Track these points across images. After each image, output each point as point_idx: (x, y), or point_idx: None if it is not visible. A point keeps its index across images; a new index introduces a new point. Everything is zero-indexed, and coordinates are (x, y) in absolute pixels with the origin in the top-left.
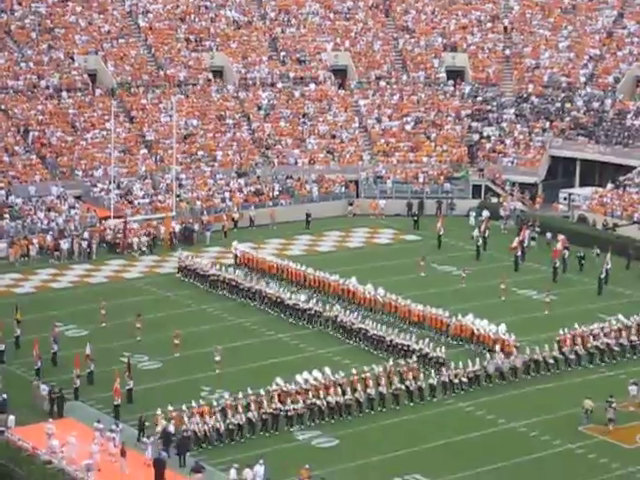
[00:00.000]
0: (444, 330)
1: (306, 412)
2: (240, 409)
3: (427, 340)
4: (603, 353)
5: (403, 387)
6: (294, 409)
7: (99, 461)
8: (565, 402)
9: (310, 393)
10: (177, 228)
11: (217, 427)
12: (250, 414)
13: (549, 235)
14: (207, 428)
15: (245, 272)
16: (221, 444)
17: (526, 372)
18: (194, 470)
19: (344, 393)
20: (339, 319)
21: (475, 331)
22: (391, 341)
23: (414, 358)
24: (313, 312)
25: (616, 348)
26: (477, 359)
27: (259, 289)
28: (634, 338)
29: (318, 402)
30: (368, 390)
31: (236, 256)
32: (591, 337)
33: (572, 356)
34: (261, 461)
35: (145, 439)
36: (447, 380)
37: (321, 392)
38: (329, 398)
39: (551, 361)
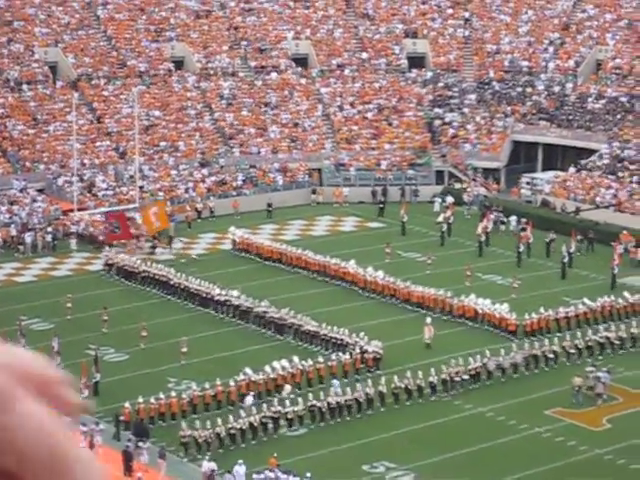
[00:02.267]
0: (447, 311)
1: (306, 414)
2: (209, 400)
3: (362, 334)
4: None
5: (402, 386)
6: (294, 411)
7: None
8: (533, 387)
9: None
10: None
11: (218, 432)
12: (252, 418)
13: (513, 220)
14: (208, 434)
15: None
16: (221, 449)
17: (526, 367)
18: (160, 456)
19: (310, 382)
20: (269, 315)
21: (479, 310)
22: (325, 335)
23: (347, 354)
24: (245, 308)
25: (616, 342)
26: (477, 356)
27: (188, 285)
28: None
29: (318, 404)
30: (367, 390)
31: (234, 241)
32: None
33: (572, 350)
34: (240, 461)
35: (141, 444)
36: (447, 378)
37: (289, 380)
38: (329, 399)
39: (551, 355)
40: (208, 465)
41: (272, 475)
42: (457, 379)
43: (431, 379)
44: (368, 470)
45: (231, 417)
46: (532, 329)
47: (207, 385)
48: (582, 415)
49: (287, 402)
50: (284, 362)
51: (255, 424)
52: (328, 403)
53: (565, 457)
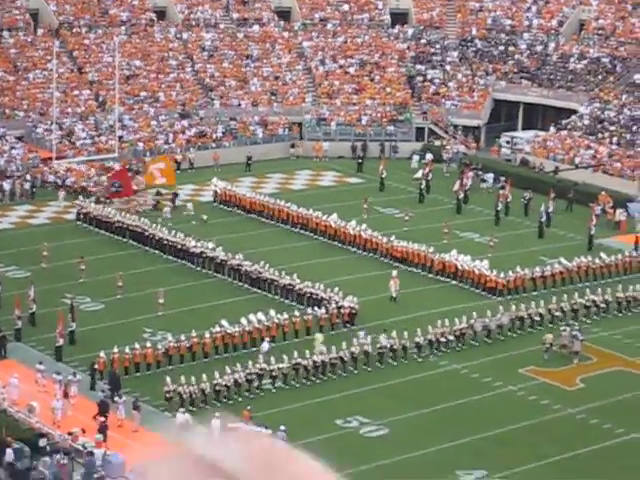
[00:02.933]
0: (428, 266)
1: (291, 372)
2: (183, 351)
3: (337, 289)
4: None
5: (388, 346)
6: (279, 368)
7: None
8: (508, 346)
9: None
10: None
11: (203, 388)
12: (237, 375)
13: (490, 178)
14: (192, 389)
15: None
16: (206, 405)
17: (511, 329)
18: (134, 408)
19: (285, 335)
20: (244, 268)
21: (459, 267)
22: (300, 290)
23: (323, 309)
24: (219, 261)
25: (602, 305)
26: (464, 317)
27: (163, 237)
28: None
29: (304, 362)
30: (352, 349)
31: (216, 192)
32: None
33: (558, 313)
34: (217, 414)
35: (117, 398)
36: (434, 339)
37: (264, 333)
38: (314, 357)
39: (537, 318)
40: (182, 417)
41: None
42: (442, 340)
43: (417, 339)
44: (342, 425)
45: (216, 373)
46: (508, 288)
47: (182, 337)
48: (556, 374)
49: (272, 359)
50: (260, 315)
51: (240, 381)
52: (313, 361)
53: (538, 415)
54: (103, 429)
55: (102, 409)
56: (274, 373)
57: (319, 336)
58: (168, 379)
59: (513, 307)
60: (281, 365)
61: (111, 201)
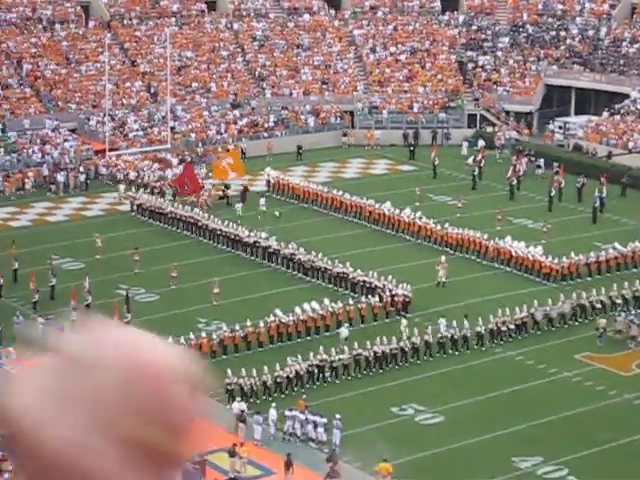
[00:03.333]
0: (482, 253)
1: (352, 363)
2: (238, 341)
3: (390, 277)
4: None
5: (448, 335)
6: (340, 359)
7: None
8: (563, 332)
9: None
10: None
11: (264, 380)
12: (297, 366)
13: (541, 163)
14: (253, 381)
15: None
16: (269, 397)
17: (573, 318)
18: None
19: (340, 324)
20: (297, 257)
21: (513, 253)
22: (353, 278)
23: (376, 297)
24: (272, 250)
25: None
26: (524, 305)
27: (216, 227)
28: None
29: (364, 353)
30: (413, 339)
31: (269, 182)
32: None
33: (619, 300)
34: (273, 404)
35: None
36: (495, 328)
37: (319, 322)
38: (375, 348)
39: (598, 305)
40: (238, 406)
41: (302, 416)
42: (504, 329)
43: (478, 329)
44: (397, 412)
45: (277, 365)
46: (562, 274)
47: (237, 326)
48: (611, 360)
49: (333, 350)
50: (314, 304)
51: (301, 372)
52: (374, 352)
53: (594, 401)
54: None
55: None
56: (335, 364)
57: (404, 321)
58: (229, 371)
59: (574, 295)
60: (342, 356)
61: (181, 198)
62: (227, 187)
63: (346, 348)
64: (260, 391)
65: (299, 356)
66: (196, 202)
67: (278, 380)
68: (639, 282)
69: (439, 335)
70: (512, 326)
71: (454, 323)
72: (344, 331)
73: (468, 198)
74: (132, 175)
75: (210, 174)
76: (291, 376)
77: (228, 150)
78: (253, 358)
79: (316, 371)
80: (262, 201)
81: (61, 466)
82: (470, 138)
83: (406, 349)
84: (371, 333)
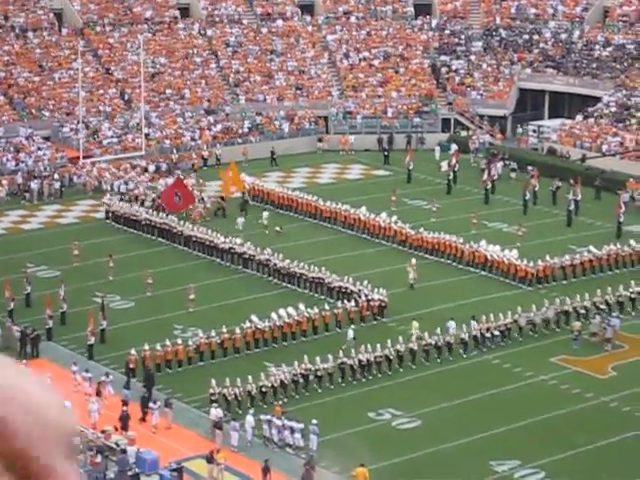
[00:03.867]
0: (458, 256)
1: (336, 371)
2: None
3: (366, 282)
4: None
5: (432, 342)
6: (324, 368)
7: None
8: (538, 335)
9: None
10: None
11: (249, 390)
12: (282, 375)
13: (515, 166)
14: (238, 392)
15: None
16: (253, 408)
17: (556, 323)
18: (166, 405)
19: (316, 329)
20: (272, 263)
21: (489, 257)
22: (329, 283)
23: (352, 302)
24: (247, 256)
25: None
26: (508, 312)
27: (191, 234)
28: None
29: (349, 361)
30: (398, 347)
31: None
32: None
33: (603, 306)
34: (251, 410)
35: (152, 404)
36: (478, 334)
37: (295, 328)
38: (360, 356)
39: (582, 311)
40: (215, 412)
41: (279, 422)
42: (488, 335)
43: (462, 336)
44: (374, 417)
45: (262, 374)
46: (538, 277)
47: (213, 333)
48: (587, 362)
49: (317, 359)
50: (290, 309)
51: (286, 382)
52: (359, 360)
53: (570, 405)
54: (124, 418)
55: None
56: (319, 373)
57: (415, 323)
58: (213, 382)
59: (557, 301)
60: (326, 365)
61: (169, 212)
62: (223, 198)
63: (352, 350)
64: (245, 401)
65: (283, 365)
66: (191, 216)
67: (263, 390)
68: (622, 287)
69: (424, 342)
70: (496, 332)
71: (437, 330)
72: (350, 333)
73: (443, 202)
74: (122, 187)
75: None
76: (276, 385)
77: (203, 156)
78: (229, 364)
79: (301, 380)
80: (265, 215)
81: None
82: (444, 142)
83: (391, 357)
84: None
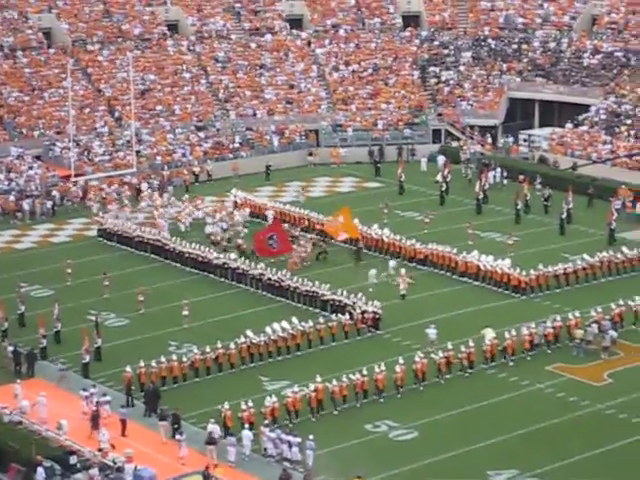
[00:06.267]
0: (452, 267)
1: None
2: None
3: (360, 295)
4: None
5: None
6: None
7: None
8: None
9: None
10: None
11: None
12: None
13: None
14: (250, 412)
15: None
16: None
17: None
18: (160, 418)
19: (311, 343)
20: (266, 277)
21: (482, 267)
22: (323, 296)
23: (347, 314)
24: (241, 271)
25: None
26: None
27: (184, 250)
28: None
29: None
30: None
31: (236, 202)
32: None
33: (605, 322)
34: (246, 425)
35: (178, 436)
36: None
37: (290, 342)
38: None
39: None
40: (212, 427)
41: (273, 435)
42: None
43: (465, 349)
44: (371, 429)
45: (273, 396)
46: (531, 286)
47: (208, 348)
48: (583, 370)
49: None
50: (284, 324)
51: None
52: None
53: (567, 412)
54: (94, 418)
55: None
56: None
57: (489, 330)
58: (226, 405)
59: (558, 317)
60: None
61: (257, 257)
62: (324, 240)
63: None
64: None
65: (295, 386)
66: (287, 263)
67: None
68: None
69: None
70: (500, 348)
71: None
72: (432, 332)
73: (436, 213)
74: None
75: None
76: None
77: (194, 172)
78: (225, 380)
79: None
80: (392, 264)
81: None
82: (435, 153)
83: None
84: (345, 353)
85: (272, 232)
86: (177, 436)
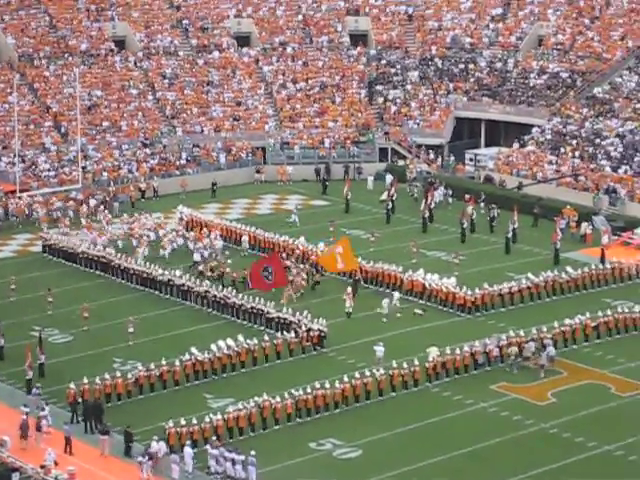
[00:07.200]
0: (398, 285)
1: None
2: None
3: (306, 312)
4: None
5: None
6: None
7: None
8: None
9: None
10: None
11: (203, 428)
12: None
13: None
14: (196, 429)
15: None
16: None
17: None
18: (101, 432)
19: (256, 360)
20: (211, 294)
21: (427, 286)
22: (268, 314)
23: (292, 332)
24: (186, 288)
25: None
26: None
27: (129, 266)
28: None
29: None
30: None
31: (181, 219)
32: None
33: (547, 340)
34: (189, 442)
35: (141, 458)
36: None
37: (235, 359)
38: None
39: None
40: (156, 445)
41: (216, 452)
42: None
43: (413, 368)
44: (315, 447)
45: (218, 414)
46: (476, 304)
47: (152, 365)
48: (527, 389)
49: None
50: (229, 341)
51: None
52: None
53: (511, 431)
54: (24, 427)
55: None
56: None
57: (434, 349)
58: (171, 423)
59: (503, 336)
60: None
61: (249, 287)
62: (317, 271)
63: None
64: (202, 438)
65: (239, 403)
66: (283, 296)
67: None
68: (568, 320)
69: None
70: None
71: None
72: (380, 349)
73: (382, 231)
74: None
75: (319, 266)
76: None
77: (140, 189)
78: (169, 397)
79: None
80: (396, 295)
81: None
82: (381, 172)
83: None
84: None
85: (268, 264)
86: (140, 458)
